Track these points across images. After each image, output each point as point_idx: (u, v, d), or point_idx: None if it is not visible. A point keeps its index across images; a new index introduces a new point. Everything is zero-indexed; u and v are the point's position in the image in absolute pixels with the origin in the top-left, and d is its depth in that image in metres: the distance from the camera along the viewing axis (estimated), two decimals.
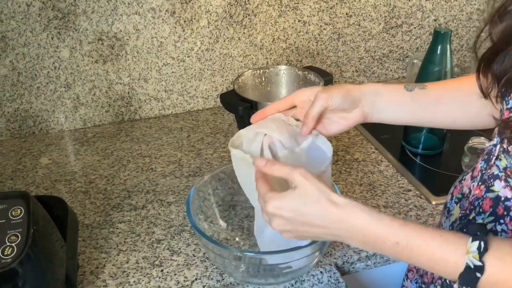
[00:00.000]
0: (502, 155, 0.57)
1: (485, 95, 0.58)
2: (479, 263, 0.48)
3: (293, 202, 0.55)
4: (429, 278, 0.73)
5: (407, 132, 1.10)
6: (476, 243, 0.49)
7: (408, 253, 0.52)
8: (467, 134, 1.03)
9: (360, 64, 1.37)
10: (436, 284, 0.69)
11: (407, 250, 0.51)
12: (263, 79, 0.93)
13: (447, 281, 0.65)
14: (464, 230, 0.53)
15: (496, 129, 0.58)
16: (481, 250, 0.48)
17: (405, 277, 0.82)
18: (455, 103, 0.70)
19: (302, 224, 0.55)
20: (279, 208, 0.55)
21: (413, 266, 0.80)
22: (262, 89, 0.94)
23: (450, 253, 0.50)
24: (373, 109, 0.69)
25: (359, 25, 1.31)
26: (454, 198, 0.67)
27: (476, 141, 1.01)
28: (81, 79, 1.15)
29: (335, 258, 0.80)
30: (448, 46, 0.99)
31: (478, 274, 0.48)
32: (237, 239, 0.84)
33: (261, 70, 0.92)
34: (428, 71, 1.01)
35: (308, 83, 0.91)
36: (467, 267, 0.48)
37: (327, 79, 0.89)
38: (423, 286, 0.76)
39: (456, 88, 0.71)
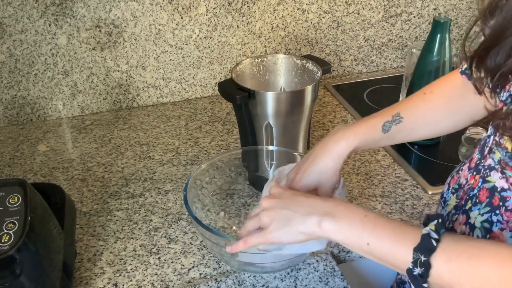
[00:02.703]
0: (495, 148, 0.57)
1: (479, 91, 0.57)
2: (436, 236, 0.50)
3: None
4: None
5: None
6: (435, 221, 0.51)
7: (371, 226, 0.54)
8: None
9: (359, 53, 1.37)
10: None
11: (371, 222, 0.54)
12: (261, 68, 0.93)
13: None
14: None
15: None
16: (440, 226, 0.51)
17: None
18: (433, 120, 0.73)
19: (290, 196, 0.61)
20: (272, 194, 0.64)
21: None
22: (260, 78, 0.93)
23: (410, 229, 0.53)
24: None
25: (359, 13, 1.30)
26: (450, 188, 0.67)
27: (473, 131, 1.01)
28: (78, 66, 1.14)
29: (331, 247, 0.80)
30: (447, 36, 0.98)
31: (433, 243, 0.49)
32: (234, 227, 0.84)
33: (259, 59, 0.92)
34: (427, 60, 1.01)
35: (306, 72, 0.91)
36: (425, 235, 0.50)
37: (326, 68, 0.88)
38: None
39: (434, 105, 0.72)
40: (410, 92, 1.05)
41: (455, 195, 0.65)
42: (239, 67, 0.89)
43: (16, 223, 0.60)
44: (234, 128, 1.14)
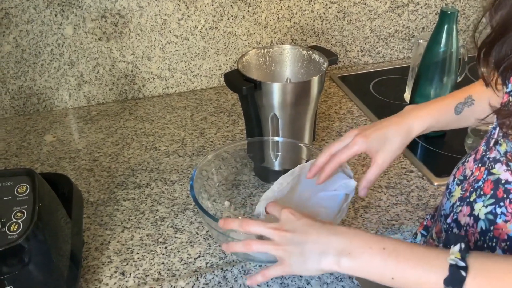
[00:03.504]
0: (502, 140, 0.57)
1: (487, 82, 0.58)
2: (463, 264, 0.48)
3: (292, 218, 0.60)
4: None
5: None
6: (458, 246, 0.50)
7: (394, 260, 0.52)
8: None
9: (365, 43, 1.36)
10: None
11: (392, 256, 0.52)
12: (267, 59, 0.92)
13: None
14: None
15: None
16: (465, 252, 0.49)
17: None
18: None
19: (302, 230, 0.57)
20: (283, 222, 0.60)
21: None
22: (266, 69, 0.93)
23: (433, 256, 0.51)
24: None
25: (365, 4, 1.29)
26: (456, 179, 0.67)
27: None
28: (84, 56, 1.14)
29: None
30: (454, 27, 0.98)
31: (462, 273, 0.48)
32: (240, 218, 0.85)
33: (265, 50, 0.92)
34: (434, 51, 1.00)
35: (312, 63, 0.90)
36: (453, 266, 0.49)
37: (332, 59, 0.88)
38: None
39: None
40: (416, 83, 1.05)
41: (460, 187, 0.65)
42: (245, 58, 0.89)
43: (25, 212, 0.60)
44: (240, 119, 1.14)
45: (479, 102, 0.71)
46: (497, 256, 0.52)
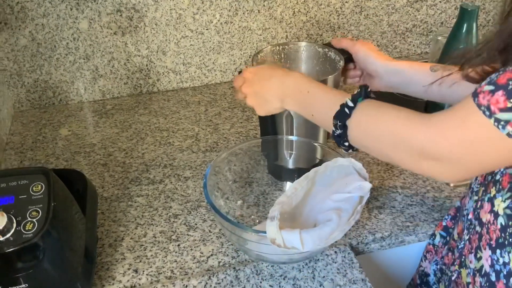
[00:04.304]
0: None
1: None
2: (351, 104, 0.63)
3: (258, 68, 0.78)
4: (450, 260, 0.74)
5: (427, 111, 1.08)
6: (356, 93, 0.64)
7: (312, 100, 0.69)
8: None
9: (382, 38, 1.34)
10: (455, 264, 0.70)
11: (312, 98, 0.69)
12: (283, 56, 0.91)
13: (464, 261, 0.67)
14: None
15: None
16: (356, 95, 0.63)
17: (423, 257, 0.82)
18: None
19: (257, 80, 0.76)
20: (248, 71, 0.77)
21: (431, 247, 0.80)
22: (281, 66, 0.92)
23: (339, 98, 0.65)
24: (388, 84, 0.84)
25: None
26: (478, 179, 0.66)
27: None
28: (99, 50, 1.14)
29: (349, 239, 0.80)
30: (474, 24, 0.95)
31: (347, 111, 0.63)
32: (252, 216, 0.85)
33: (281, 47, 0.91)
34: (453, 48, 0.98)
35: (328, 61, 0.89)
36: (342, 105, 0.63)
37: (347, 56, 0.87)
38: (444, 267, 0.76)
39: None
40: None
41: (482, 185, 0.65)
42: (260, 55, 0.88)
43: (40, 211, 0.61)
44: (254, 115, 1.13)
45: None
46: (386, 104, 0.62)
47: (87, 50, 1.14)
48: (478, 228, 0.64)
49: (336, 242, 0.78)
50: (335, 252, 0.78)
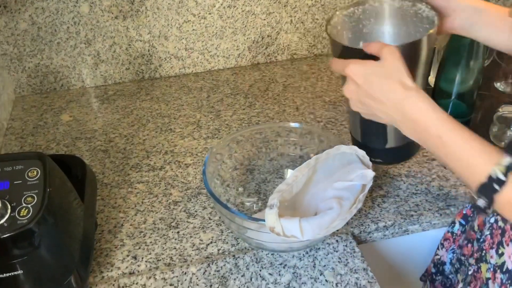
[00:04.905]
0: None
1: None
2: (503, 178, 0.50)
3: (368, 69, 0.60)
4: (469, 251, 0.71)
5: (435, 98, 1.05)
6: (508, 159, 0.51)
7: (446, 150, 0.56)
8: (497, 102, 0.98)
9: None
10: (474, 258, 0.68)
11: (446, 147, 0.55)
12: (361, 18, 0.74)
13: (484, 255, 0.65)
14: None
15: None
16: (509, 166, 0.50)
17: (440, 245, 0.80)
18: None
19: (366, 94, 0.60)
20: (354, 71, 0.60)
21: (450, 235, 0.78)
22: (358, 31, 0.75)
23: (482, 162, 0.53)
24: (468, 27, 0.70)
25: None
26: None
27: (506, 110, 0.97)
28: (101, 35, 1.13)
29: (352, 227, 0.79)
30: None
31: (496, 187, 0.50)
32: (253, 204, 0.83)
33: (356, 8, 0.73)
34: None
35: (418, 18, 0.71)
36: (490, 177, 0.51)
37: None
38: (462, 258, 0.74)
39: None
40: (442, 66, 1.00)
41: None
42: (332, 23, 0.72)
43: (35, 197, 0.60)
44: (256, 101, 1.12)
45: None
46: None
47: (88, 34, 1.12)
48: (501, 223, 0.62)
49: (337, 231, 0.77)
50: (337, 241, 0.76)
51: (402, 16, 0.73)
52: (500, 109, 0.96)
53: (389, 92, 0.59)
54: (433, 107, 0.57)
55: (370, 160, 0.72)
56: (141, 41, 1.16)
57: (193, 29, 1.17)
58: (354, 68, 0.60)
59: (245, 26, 1.20)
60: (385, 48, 0.60)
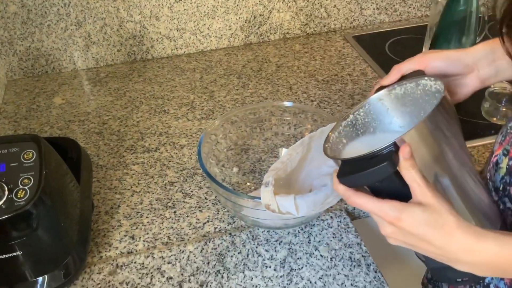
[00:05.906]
0: None
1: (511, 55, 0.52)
2: None
3: (417, 218, 0.48)
4: None
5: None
6: None
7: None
8: None
9: (381, 1, 1.31)
10: None
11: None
12: (358, 127, 0.63)
13: None
14: None
15: None
16: None
17: None
18: None
19: (419, 240, 0.50)
20: (399, 220, 0.49)
21: None
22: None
23: None
24: (493, 71, 0.64)
25: None
26: (503, 149, 0.61)
27: (497, 86, 0.97)
28: (91, 16, 1.12)
29: (345, 204, 0.80)
30: None
31: None
32: (248, 183, 0.84)
33: (354, 115, 0.62)
34: (453, 10, 0.95)
35: (420, 93, 0.60)
36: None
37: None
38: None
39: None
40: (434, 43, 1.01)
41: (507, 157, 0.60)
42: (328, 144, 0.62)
43: (32, 178, 0.60)
44: (250, 82, 1.12)
45: None
46: None
47: (79, 16, 1.11)
48: (509, 205, 0.60)
49: (332, 207, 0.78)
50: (331, 217, 0.78)
51: (412, 101, 0.61)
52: (492, 85, 0.97)
53: (450, 243, 0.49)
54: (507, 240, 0.48)
55: (456, 281, 0.59)
56: (132, 21, 1.15)
57: (184, 9, 1.16)
58: (399, 226, 0.49)
59: (237, 5, 1.19)
60: (427, 188, 0.48)
